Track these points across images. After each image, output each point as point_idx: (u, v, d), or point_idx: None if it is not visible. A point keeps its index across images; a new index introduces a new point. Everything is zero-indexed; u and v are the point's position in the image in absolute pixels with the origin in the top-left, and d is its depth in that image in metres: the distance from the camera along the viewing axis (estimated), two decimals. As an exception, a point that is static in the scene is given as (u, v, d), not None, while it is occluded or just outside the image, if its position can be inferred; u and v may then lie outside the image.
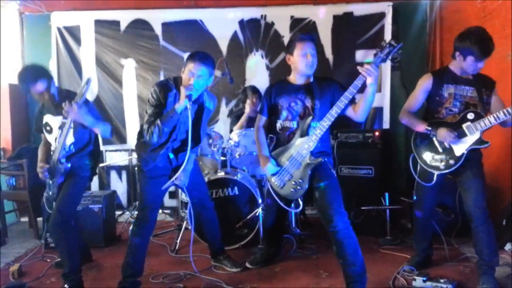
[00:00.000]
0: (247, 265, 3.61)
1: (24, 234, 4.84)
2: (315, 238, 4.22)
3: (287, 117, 3.15)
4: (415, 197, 3.41)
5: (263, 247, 3.79)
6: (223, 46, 5.51)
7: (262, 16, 5.46)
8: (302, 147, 3.00)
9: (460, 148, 3.03)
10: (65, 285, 3.14)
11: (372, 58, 2.80)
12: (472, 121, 2.99)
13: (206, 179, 3.95)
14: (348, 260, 2.83)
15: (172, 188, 4.46)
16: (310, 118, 3.03)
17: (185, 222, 4.27)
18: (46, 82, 3.14)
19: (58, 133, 3.18)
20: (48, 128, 3.29)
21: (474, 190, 3.04)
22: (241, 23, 5.48)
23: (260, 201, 3.90)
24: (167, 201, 5.56)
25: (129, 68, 5.58)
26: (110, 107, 5.59)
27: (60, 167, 3.15)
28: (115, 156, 5.67)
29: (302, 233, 4.23)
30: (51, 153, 3.27)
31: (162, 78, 5.40)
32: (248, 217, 3.98)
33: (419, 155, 3.20)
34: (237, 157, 4.14)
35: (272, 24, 5.46)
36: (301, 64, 3.07)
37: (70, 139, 3.20)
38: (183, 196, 4.67)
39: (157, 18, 5.52)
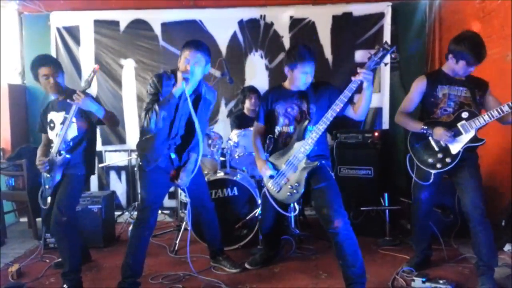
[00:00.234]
0: (246, 265, 3.62)
1: (23, 235, 4.84)
2: (314, 238, 4.22)
3: (284, 122, 3.19)
4: (412, 197, 3.42)
5: (262, 247, 3.79)
6: (223, 46, 5.50)
7: (261, 16, 5.45)
8: (298, 150, 3.01)
9: (456, 146, 3.05)
10: (64, 285, 3.15)
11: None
12: (466, 119, 3.03)
13: (205, 179, 3.95)
14: (348, 261, 2.83)
15: (171, 189, 4.45)
16: (307, 121, 3.05)
17: (184, 223, 4.27)
18: (55, 67, 3.30)
19: (60, 128, 3.22)
20: (52, 125, 3.34)
21: (471, 190, 3.06)
22: (241, 23, 5.47)
23: (259, 201, 3.90)
24: (167, 202, 5.55)
25: (128, 68, 5.58)
26: (109, 107, 5.53)
27: (59, 159, 3.17)
28: (115, 157, 5.66)
29: (301, 234, 4.23)
30: (51, 149, 3.29)
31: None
32: (247, 217, 3.98)
33: (416, 155, 3.23)
34: (237, 157, 4.14)
35: (272, 24, 5.46)
36: (299, 81, 3.13)
37: (72, 132, 3.24)
38: (183, 197, 4.67)
39: (156, 18, 5.51)
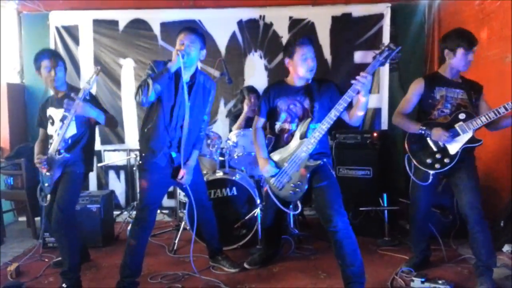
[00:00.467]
0: (245, 265, 3.61)
1: (22, 234, 4.83)
2: (314, 238, 4.23)
3: (286, 119, 3.16)
4: (410, 198, 3.43)
5: (262, 247, 3.79)
6: (222, 46, 5.50)
7: (260, 16, 5.46)
8: (301, 149, 3.00)
9: (454, 147, 3.07)
10: (63, 284, 3.15)
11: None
12: (464, 120, 3.05)
13: (204, 179, 3.94)
14: (347, 261, 2.83)
15: (170, 188, 4.46)
16: (309, 120, 3.04)
17: (183, 223, 4.27)
18: (57, 62, 3.30)
19: (59, 125, 3.21)
20: (51, 120, 3.35)
21: (469, 191, 3.07)
22: (240, 23, 5.48)
23: (258, 201, 3.90)
24: (166, 201, 5.54)
25: (127, 68, 5.57)
26: (108, 107, 5.52)
27: (59, 158, 3.17)
28: (114, 156, 5.65)
29: (300, 234, 4.23)
30: (49, 146, 3.28)
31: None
32: (246, 217, 3.98)
33: (414, 155, 3.23)
34: (236, 157, 4.14)
35: (271, 24, 5.46)
36: (301, 68, 3.08)
37: (71, 131, 3.24)
38: (182, 196, 4.67)
39: (155, 18, 5.51)
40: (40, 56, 3.31)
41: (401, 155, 5.18)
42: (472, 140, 3.04)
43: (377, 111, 5.44)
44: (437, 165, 3.11)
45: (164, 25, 5.51)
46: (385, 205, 4.24)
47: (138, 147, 3.46)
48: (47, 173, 3.23)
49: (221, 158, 4.32)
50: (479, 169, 3.22)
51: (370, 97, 5.21)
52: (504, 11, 3.98)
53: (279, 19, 5.46)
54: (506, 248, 3.75)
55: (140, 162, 3.18)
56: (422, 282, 3.09)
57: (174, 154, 3.14)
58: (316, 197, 3.00)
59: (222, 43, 5.50)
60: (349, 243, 2.84)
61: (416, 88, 3.25)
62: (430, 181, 3.15)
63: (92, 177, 5.56)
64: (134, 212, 3.59)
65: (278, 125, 3.20)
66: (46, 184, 3.27)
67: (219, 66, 4.47)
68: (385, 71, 5.33)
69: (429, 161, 3.14)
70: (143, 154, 3.15)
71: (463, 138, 3.04)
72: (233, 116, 4.96)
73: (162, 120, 3.05)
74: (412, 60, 5.35)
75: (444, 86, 3.18)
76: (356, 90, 2.77)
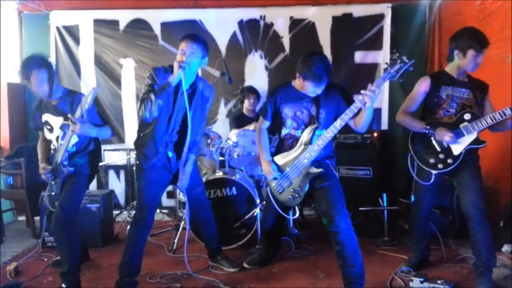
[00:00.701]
0: (245, 265, 3.61)
1: (21, 233, 4.82)
2: (313, 238, 4.21)
3: (292, 125, 3.14)
4: (413, 197, 3.42)
5: (261, 247, 3.79)
6: (222, 46, 5.51)
7: (261, 16, 5.46)
8: (303, 155, 3.00)
9: (458, 148, 3.05)
10: (63, 285, 3.14)
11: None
12: (469, 121, 3.03)
13: (204, 179, 3.95)
14: (348, 261, 2.83)
15: (170, 188, 4.45)
16: (315, 126, 3.03)
17: (182, 222, 4.26)
18: (49, 74, 3.11)
19: (59, 133, 3.18)
20: (48, 127, 3.28)
21: (472, 191, 3.05)
22: (240, 23, 5.48)
23: (258, 201, 3.90)
24: (165, 201, 5.55)
25: (128, 67, 5.58)
26: (109, 107, 5.58)
27: (63, 170, 3.15)
28: (114, 156, 5.65)
29: (300, 234, 4.22)
30: (52, 151, 3.27)
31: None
32: (246, 217, 3.98)
33: (417, 155, 3.21)
34: (236, 157, 4.14)
35: (271, 24, 5.47)
36: (308, 91, 3.01)
37: (74, 139, 3.19)
38: (181, 196, 4.67)
39: (156, 18, 5.52)
40: (26, 65, 3.09)
41: (401, 155, 5.21)
42: (476, 141, 3.02)
43: (377, 111, 5.42)
44: (440, 165, 3.09)
45: (164, 25, 5.52)
46: (385, 205, 4.23)
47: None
48: (53, 182, 3.23)
49: (221, 158, 4.32)
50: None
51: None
52: (505, 11, 3.98)
53: (280, 19, 5.46)
54: (505, 248, 3.74)
55: (138, 162, 3.18)
56: (421, 282, 3.08)
57: (170, 154, 3.14)
58: (319, 198, 3.00)
59: (222, 43, 5.50)
60: (350, 244, 2.84)
61: (422, 86, 3.21)
62: (432, 181, 3.13)
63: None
64: (134, 212, 3.59)
65: (283, 131, 3.19)
66: (53, 193, 3.26)
67: (220, 66, 4.47)
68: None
69: (432, 161, 3.12)
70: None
71: (468, 139, 3.02)
72: (233, 117, 4.96)
73: (159, 128, 3.06)
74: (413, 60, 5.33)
75: (450, 85, 3.14)
76: (363, 102, 2.67)
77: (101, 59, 5.57)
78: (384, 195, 4.25)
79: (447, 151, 3.08)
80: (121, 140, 5.66)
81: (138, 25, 5.52)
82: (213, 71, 5.11)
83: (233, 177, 4.03)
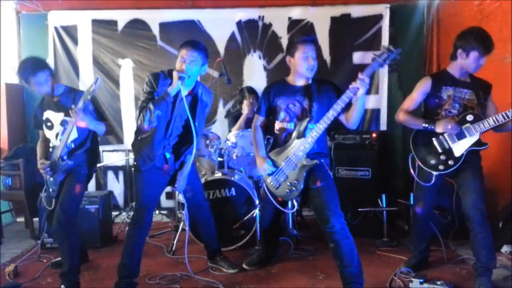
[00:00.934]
0: (244, 266, 3.61)
1: (20, 234, 4.82)
2: (312, 239, 4.22)
3: (284, 118, 3.15)
4: (413, 198, 3.42)
5: (261, 248, 3.79)
6: (221, 46, 5.50)
7: (260, 17, 5.45)
8: (298, 148, 3.00)
9: (459, 149, 3.04)
10: (62, 286, 3.14)
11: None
12: (471, 122, 3.02)
13: (203, 180, 3.95)
14: (344, 261, 2.84)
15: (168, 189, 4.45)
16: (307, 119, 3.03)
17: (182, 223, 4.26)
18: (46, 74, 3.18)
19: (59, 129, 3.20)
20: (49, 124, 3.30)
21: (473, 191, 3.04)
22: (239, 24, 5.47)
23: (257, 202, 3.90)
24: (164, 202, 5.55)
25: (126, 68, 5.57)
26: (107, 107, 5.56)
27: (62, 164, 3.16)
28: (112, 157, 5.65)
29: (299, 235, 4.22)
30: (51, 149, 3.27)
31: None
32: (245, 218, 3.97)
33: (418, 155, 3.20)
34: (235, 158, 4.13)
35: (270, 25, 5.46)
36: (302, 66, 3.06)
37: (73, 135, 3.21)
38: (180, 197, 4.65)
39: (154, 18, 5.51)
40: (21, 73, 3.15)
41: (399, 156, 5.22)
42: (478, 143, 3.02)
43: (376, 112, 5.43)
44: (441, 167, 3.09)
45: (163, 26, 5.51)
46: (384, 205, 4.23)
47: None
48: (51, 178, 3.23)
49: (220, 159, 4.32)
50: (480, 169, 3.21)
51: (369, 97, 5.30)
52: (503, 11, 3.98)
53: (278, 20, 5.45)
54: (504, 249, 3.75)
55: (135, 163, 3.17)
56: (421, 283, 3.08)
57: (168, 155, 3.14)
58: (313, 198, 3.00)
59: (221, 43, 5.50)
60: (346, 243, 2.84)
61: (423, 87, 3.20)
62: (433, 182, 3.13)
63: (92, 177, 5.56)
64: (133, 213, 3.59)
65: (277, 124, 3.20)
66: (51, 190, 3.26)
67: (218, 67, 4.46)
68: (384, 71, 5.32)
69: (433, 162, 3.12)
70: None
71: (469, 140, 3.02)
72: (232, 117, 4.95)
73: (157, 134, 3.06)
74: (411, 60, 5.35)
75: (452, 85, 3.12)
76: (354, 91, 2.77)
77: (99, 59, 5.56)
78: (383, 196, 4.24)
79: (448, 152, 3.07)
80: (120, 141, 5.65)
81: (137, 25, 5.51)
82: (211, 72, 5.12)
83: (232, 178, 4.03)
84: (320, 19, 5.41)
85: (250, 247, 3.96)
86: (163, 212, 5.48)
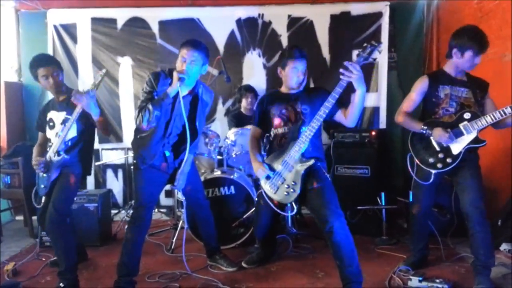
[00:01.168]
0: (243, 264, 3.61)
1: (19, 233, 4.82)
2: (311, 237, 4.22)
3: (279, 124, 3.22)
4: (412, 196, 3.42)
5: (259, 247, 3.78)
6: (220, 44, 5.49)
7: (259, 15, 5.45)
8: (293, 149, 3.01)
9: (457, 147, 3.04)
10: (61, 284, 3.14)
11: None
12: (468, 120, 3.01)
13: (202, 178, 3.94)
14: (345, 261, 2.82)
15: (168, 187, 4.44)
16: (300, 122, 3.07)
17: (181, 221, 4.26)
18: (55, 68, 3.29)
19: (60, 128, 3.21)
20: (51, 124, 3.33)
21: (472, 190, 3.04)
22: (239, 22, 5.47)
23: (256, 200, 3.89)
24: (163, 200, 5.56)
25: (125, 66, 5.57)
26: (106, 106, 5.55)
27: (57, 159, 3.16)
28: (111, 155, 5.64)
29: (298, 233, 4.22)
30: (48, 149, 3.27)
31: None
32: (244, 216, 3.97)
33: (417, 154, 3.20)
34: (234, 156, 4.14)
35: (270, 23, 5.45)
36: (291, 80, 3.19)
37: (72, 133, 3.22)
38: (179, 195, 4.65)
39: (154, 16, 5.50)
40: (34, 64, 3.27)
41: (399, 154, 5.22)
42: (476, 140, 3.01)
43: (375, 110, 5.43)
44: (439, 165, 3.09)
45: (162, 24, 5.50)
46: (383, 204, 4.23)
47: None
48: (44, 175, 3.23)
49: (219, 157, 4.32)
50: (479, 168, 3.21)
51: (368, 95, 5.29)
52: (503, 10, 3.98)
53: (278, 18, 5.45)
54: (503, 247, 3.75)
55: (135, 161, 3.17)
56: (420, 281, 3.08)
57: (167, 153, 3.13)
58: (312, 199, 2.99)
59: (220, 41, 5.49)
60: (346, 243, 2.82)
61: (420, 87, 3.21)
62: (431, 180, 3.13)
63: (90, 176, 5.55)
64: (132, 211, 3.59)
65: (272, 132, 3.26)
66: (42, 186, 3.26)
67: (218, 65, 4.45)
68: (383, 70, 5.33)
69: (431, 160, 3.12)
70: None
71: (467, 138, 3.01)
72: (231, 115, 4.95)
73: (156, 134, 3.06)
74: (411, 58, 5.36)
75: (449, 84, 3.13)
76: (343, 86, 2.85)
77: (98, 57, 5.55)
78: (383, 194, 4.24)
79: (446, 150, 3.07)
80: (119, 139, 5.65)
81: (136, 23, 5.51)
82: (211, 70, 5.10)
83: (231, 176, 4.03)
84: (320, 17, 5.40)
85: (249, 245, 3.96)
86: (162, 210, 5.48)
